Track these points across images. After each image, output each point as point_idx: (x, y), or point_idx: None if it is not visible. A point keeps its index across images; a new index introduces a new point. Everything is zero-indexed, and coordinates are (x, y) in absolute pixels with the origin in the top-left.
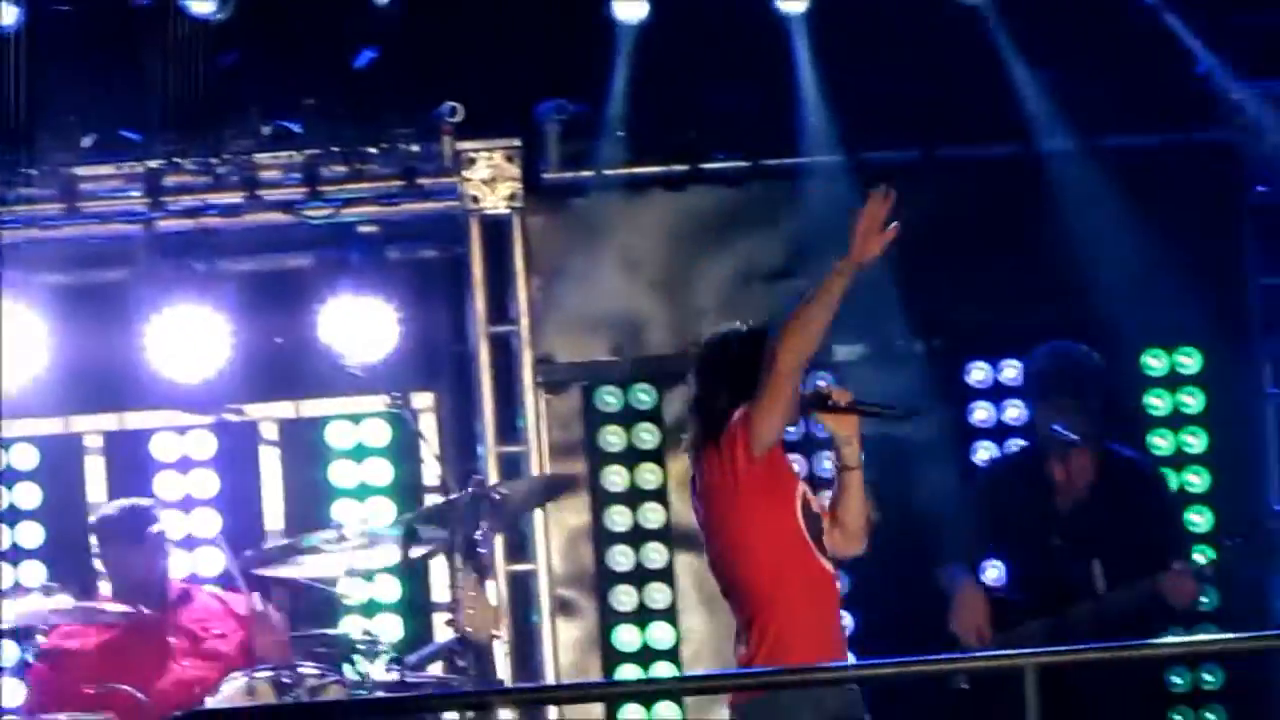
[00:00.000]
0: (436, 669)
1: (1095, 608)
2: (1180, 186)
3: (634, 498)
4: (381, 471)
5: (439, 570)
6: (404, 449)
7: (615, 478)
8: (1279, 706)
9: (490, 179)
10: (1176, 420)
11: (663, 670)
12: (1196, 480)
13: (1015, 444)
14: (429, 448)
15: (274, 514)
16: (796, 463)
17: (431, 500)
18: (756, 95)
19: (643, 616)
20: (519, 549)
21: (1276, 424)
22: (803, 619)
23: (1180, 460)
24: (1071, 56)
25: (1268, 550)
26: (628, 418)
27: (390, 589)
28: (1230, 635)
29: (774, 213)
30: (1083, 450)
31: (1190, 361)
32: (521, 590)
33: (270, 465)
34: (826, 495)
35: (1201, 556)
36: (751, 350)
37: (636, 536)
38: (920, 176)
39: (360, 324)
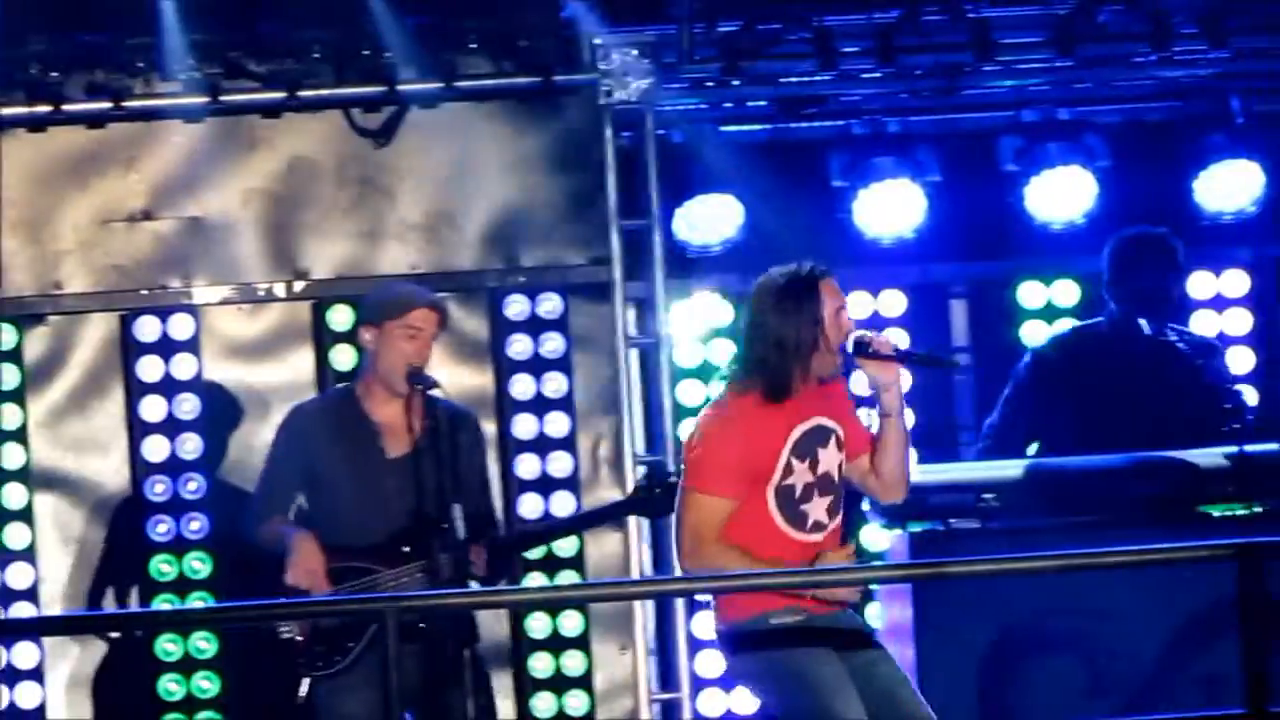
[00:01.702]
0: None
1: (456, 556)
2: (544, 130)
3: None
4: None
5: None
6: None
7: None
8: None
9: None
10: (538, 365)
11: (21, 611)
12: (559, 426)
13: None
14: None
15: None
16: None
17: None
18: (120, 35)
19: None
20: None
21: (641, 370)
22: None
23: (542, 406)
24: None
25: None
26: None
27: None
28: (598, 580)
29: (135, 154)
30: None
31: (552, 306)
32: None
33: None
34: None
35: None
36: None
37: None
38: (282, 117)
39: None
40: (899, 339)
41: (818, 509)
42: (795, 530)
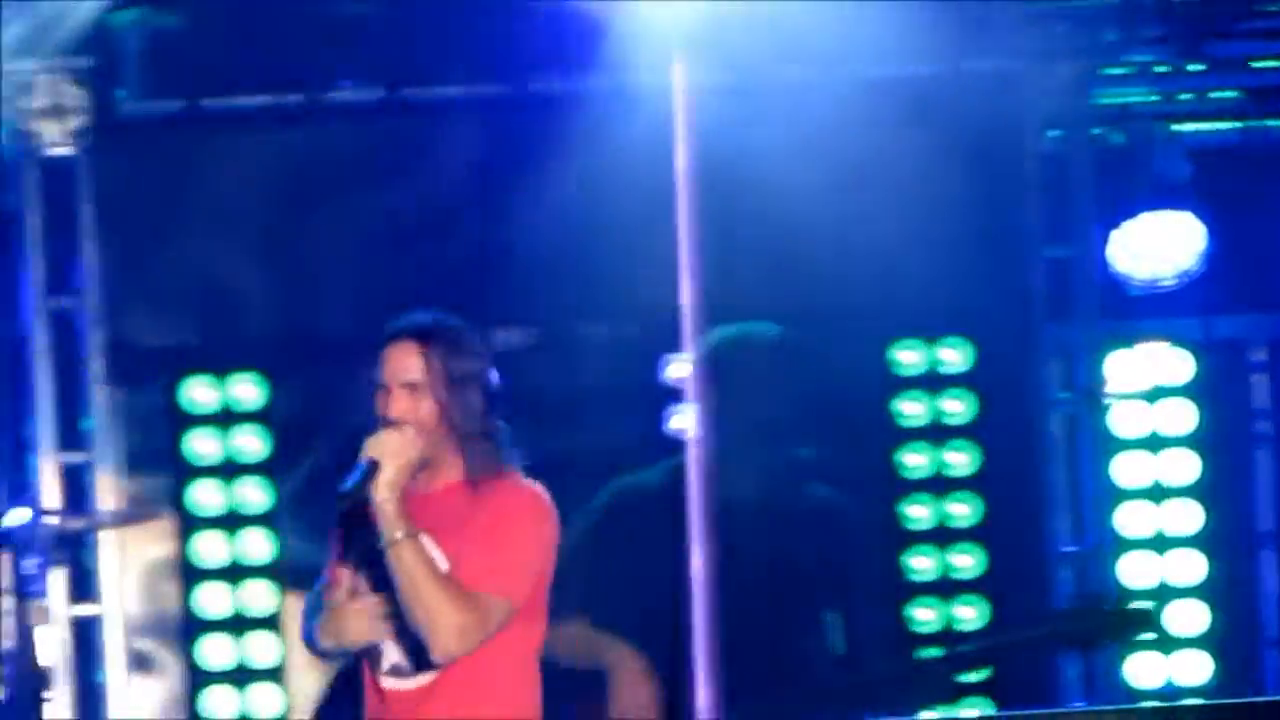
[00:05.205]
0: None
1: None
2: (943, 131)
3: (233, 522)
4: None
5: None
6: None
7: (208, 496)
8: None
9: (52, 109)
10: (937, 433)
11: None
12: (964, 511)
13: None
14: None
15: None
16: None
17: None
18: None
19: (242, 676)
20: (83, 586)
21: (1066, 439)
22: None
23: (943, 485)
24: None
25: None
26: (225, 419)
27: None
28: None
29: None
30: None
31: (956, 358)
32: (85, 639)
33: None
34: None
35: None
36: None
37: (235, 573)
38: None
39: None
40: (389, 463)
41: (390, 647)
42: (370, 667)
